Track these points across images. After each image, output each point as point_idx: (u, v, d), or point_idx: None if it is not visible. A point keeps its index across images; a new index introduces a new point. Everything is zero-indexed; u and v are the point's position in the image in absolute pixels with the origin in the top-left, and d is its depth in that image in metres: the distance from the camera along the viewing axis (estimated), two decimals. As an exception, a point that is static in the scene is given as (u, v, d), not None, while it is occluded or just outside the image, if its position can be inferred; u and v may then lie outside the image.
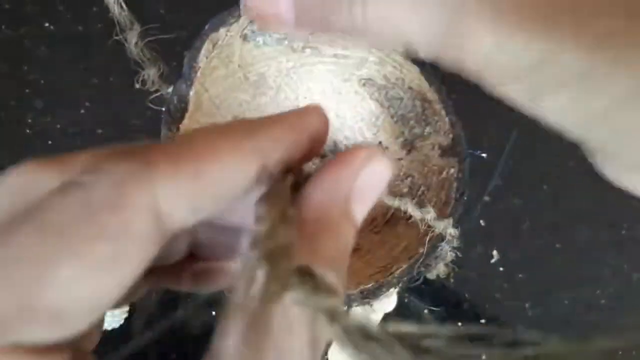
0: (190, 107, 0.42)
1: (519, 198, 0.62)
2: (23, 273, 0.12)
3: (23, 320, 0.12)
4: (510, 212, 0.62)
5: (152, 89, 0.39)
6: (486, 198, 0.60)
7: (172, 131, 0.40)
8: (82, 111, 0.60)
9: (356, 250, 0.47)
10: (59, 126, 0.59)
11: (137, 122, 0.60)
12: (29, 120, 0.59)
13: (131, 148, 0.15)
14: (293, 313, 0.14)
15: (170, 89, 0.41)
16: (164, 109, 0.40)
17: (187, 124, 0.42)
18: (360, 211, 0.17)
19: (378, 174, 0.17)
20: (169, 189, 0.14)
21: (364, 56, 0.49)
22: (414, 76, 0.47)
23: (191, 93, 0.41)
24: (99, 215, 0.13)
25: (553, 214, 0.62)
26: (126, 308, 0.49)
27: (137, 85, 0.40)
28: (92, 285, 0.13)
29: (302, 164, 0.19)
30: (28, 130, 0.59)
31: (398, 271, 0.40)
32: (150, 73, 0.38)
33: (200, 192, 0.14)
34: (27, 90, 0.60)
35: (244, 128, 0.16)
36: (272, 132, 0.16)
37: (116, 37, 0.35)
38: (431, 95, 0.47)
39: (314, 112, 0.18)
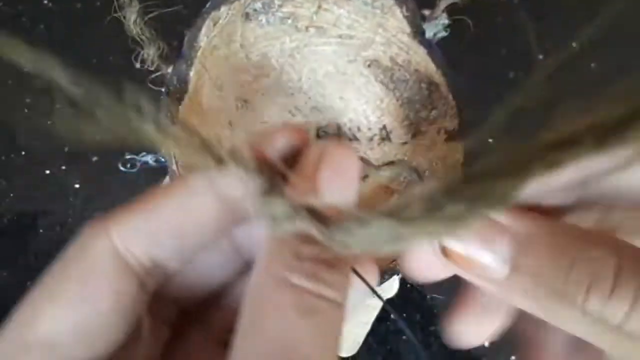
0: (191, 87, 0.41)
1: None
2: (18, 318, 0.16)
3: (23, 354, 0.15)
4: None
5: (152, 68, 0.38)
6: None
7: (171, 112, 0.39)
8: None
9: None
10: (58, 106, 0.58)
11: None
12: (27, 101, 0.58)
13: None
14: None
15: (170, 69, 0.40)
16: (163, 89, 0.39)
17: (187, 104, 0.41)
18: (337, 193, 0.17)
19: (339, 157, 0.17)
20: (123, 229, 0.17)
21: (370, 37, 0.48)
22: (420, 58, 0.46)
23: (191, 73, 0.40)
24: (68, 263, 0.16)
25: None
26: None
27: (137, 65, 0.39)
28: (72, 319, 0.16)
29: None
30: (26, 110, 0.58)
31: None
32: (150, 52, 0.36)
33: (156, 226, 0.17)
34: (24, 70, 0.59)
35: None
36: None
37: (115, 15, 0.34)
38: (438, 78, 0.46)
39: (280, 132, 0.18)
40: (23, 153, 0.57)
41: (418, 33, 0.45)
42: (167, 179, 0.47)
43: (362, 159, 0.20)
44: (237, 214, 0.17)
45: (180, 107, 0.40)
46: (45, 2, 0.60)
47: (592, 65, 0.64)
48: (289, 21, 0.46)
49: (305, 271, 0.15)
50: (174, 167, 0.37)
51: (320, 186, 0.16)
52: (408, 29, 0.45)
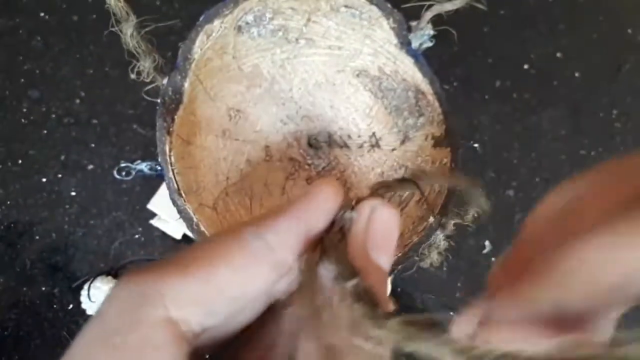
0: (185, 98, 0.42)
1: (512, 190, 0.63)
2: None
3: None
4: (503, 203, 0.62)
5: (147, 80, 0.39)
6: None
7: (167, 122, 0.40)
8: (77, 101, 0.60)
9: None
10: (54, 116, 0.59)
11: (132, 112, 0.60)
12: (24, 110, 0.59)
13: (148, 267, 0.17)
14: None
15: (165, 81, 0.41)
16: (159, 100, 0.41)
17: (182, 115, 0.42)
18: (383, 257, 0.19)
19: (385, 222, 0.19)
20: (179, 298, 0.16)
21: (358, 48, 0.49)
22: (407, 67, 0.48)
23: (186, 85, 0.41)
24: (121, 331, 0.15)
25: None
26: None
27: (133, 76, 0.40)
28: None
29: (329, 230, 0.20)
30: (23, 120, 0.59)
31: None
32: (146, 64, 0.38)
33: (213, 296, 0.16)
34: (22, 80, 0.60)
35: (251, 228, 0.18)
36: (278, 227, 0.18)
37: (112, 29, 0.35)
38: (425, 86, 0.47)
39: (321, 193, 0.19)
40: (19, 161, 0.58)
41: (404, 43, 0.46)
42: (164, 186, 0.48)
43: (382, 184, 0.22)
44: (284, 274, 0.18)
45: (175, 117, 0.41)
46: (42, 14, 0.61)
47: (576, 74, 0.66)
48: (280, 33, 0.48)
49: (361, 332, 0.16)
50: (170, 174, 0.38)
51: (371, 255, 0.18)
52: (395, 40, 0.46)
